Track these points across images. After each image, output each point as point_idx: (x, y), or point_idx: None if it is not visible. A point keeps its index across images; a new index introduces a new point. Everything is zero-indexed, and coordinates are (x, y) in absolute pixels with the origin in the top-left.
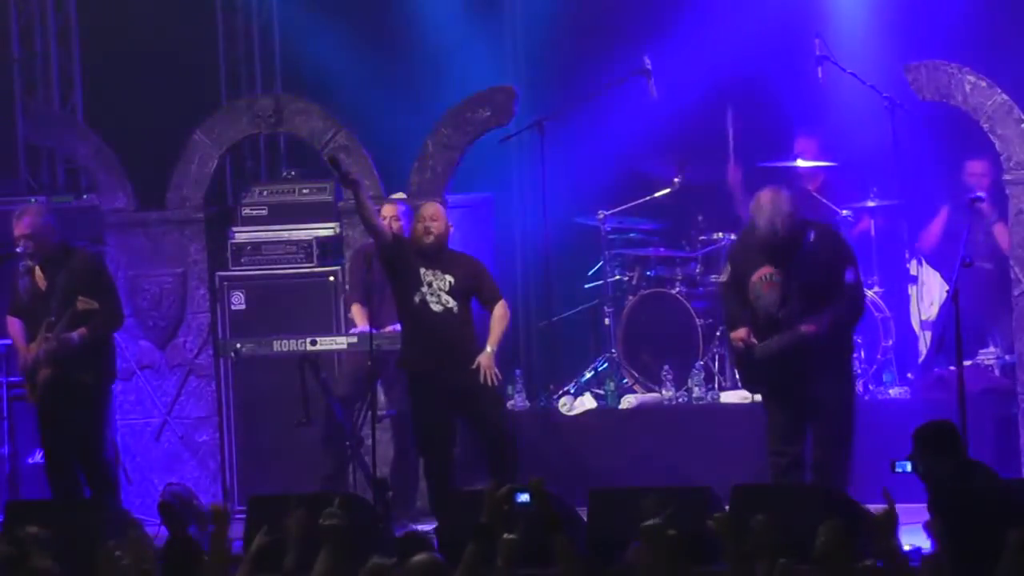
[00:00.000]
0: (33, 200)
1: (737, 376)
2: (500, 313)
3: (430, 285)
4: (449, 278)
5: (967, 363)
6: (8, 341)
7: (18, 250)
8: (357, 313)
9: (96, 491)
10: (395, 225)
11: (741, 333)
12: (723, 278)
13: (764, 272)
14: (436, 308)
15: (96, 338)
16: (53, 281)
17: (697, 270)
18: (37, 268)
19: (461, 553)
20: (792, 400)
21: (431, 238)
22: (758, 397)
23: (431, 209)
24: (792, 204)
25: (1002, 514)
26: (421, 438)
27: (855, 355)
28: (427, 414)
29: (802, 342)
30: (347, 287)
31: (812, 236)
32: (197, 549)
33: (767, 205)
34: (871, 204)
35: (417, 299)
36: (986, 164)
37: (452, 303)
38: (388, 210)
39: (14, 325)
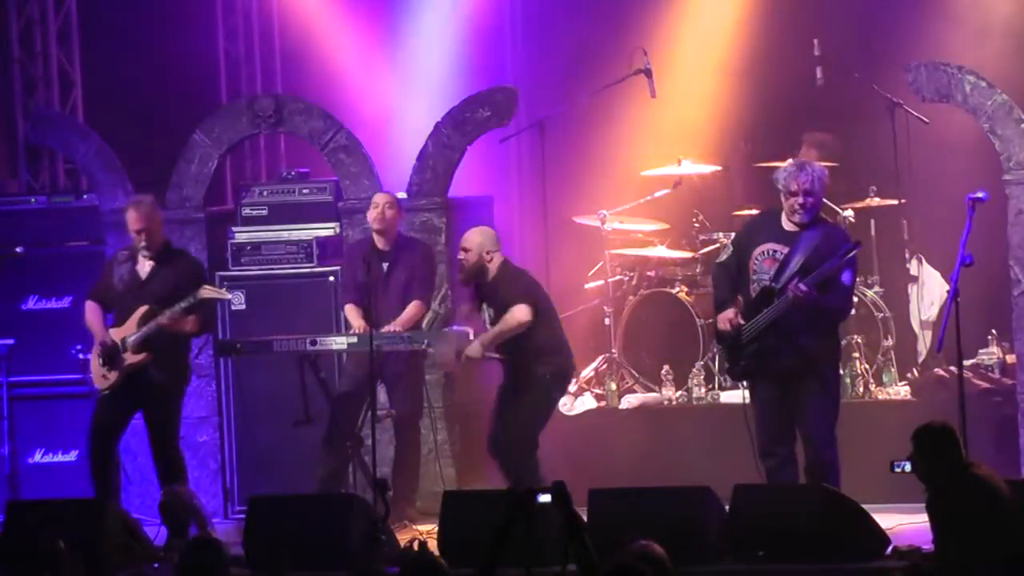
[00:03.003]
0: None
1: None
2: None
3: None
4: (490, 312)
5: (967, 363)
6: (10, 341)
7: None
8: (351, 313)
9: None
10: (388, 213)
11: (729, 314)
12: (721, 258)
13: (766, 247)
14: None
15: (198, 332)
16: (157, 274)
17: (697, 270)
18: (143, 258)
19: (463, 553)
20: (781, 401)
21: (463, 275)
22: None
23: (464, 239)
24: (824, 177)
25: (1001, 515)
26: None
27: (855, 356)
28: None
29: (789, 309)
30: (339, 288)
31: (821, 228)
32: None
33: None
34: (871, 204)
35: None
36: None
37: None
38: (380, 197)
39: (94, 309)
